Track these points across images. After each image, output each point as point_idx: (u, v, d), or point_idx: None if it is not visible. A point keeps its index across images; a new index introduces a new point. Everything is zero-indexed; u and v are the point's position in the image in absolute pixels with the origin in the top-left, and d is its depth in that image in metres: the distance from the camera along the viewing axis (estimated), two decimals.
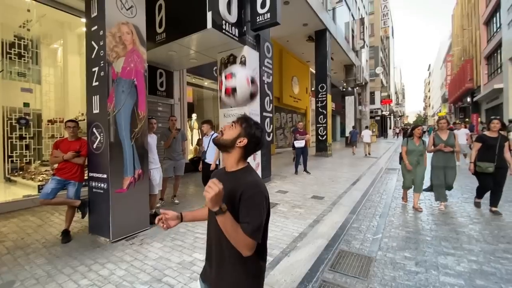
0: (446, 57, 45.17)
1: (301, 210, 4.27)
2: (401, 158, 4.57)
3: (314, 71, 17.44)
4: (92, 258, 2.76)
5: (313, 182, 6.41)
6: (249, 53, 5.61)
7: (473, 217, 3.93)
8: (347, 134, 16.79)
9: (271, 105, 6.44)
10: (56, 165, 3.26)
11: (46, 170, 6.11)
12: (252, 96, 1.62)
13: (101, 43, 3.10)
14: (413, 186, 4.42)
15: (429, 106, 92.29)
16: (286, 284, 2.27)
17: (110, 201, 3.06)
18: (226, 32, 4.99)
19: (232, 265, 1.06)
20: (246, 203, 0.98)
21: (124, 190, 3.20)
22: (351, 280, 2.38)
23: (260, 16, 5.42)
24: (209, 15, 4.60)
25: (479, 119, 24.57)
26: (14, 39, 6.81)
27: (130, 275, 2.42)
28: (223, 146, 1.12)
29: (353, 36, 17.11)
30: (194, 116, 9.17)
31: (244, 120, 1.13)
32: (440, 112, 55.61)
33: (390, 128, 43.25)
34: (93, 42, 3.21)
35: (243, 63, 5.60)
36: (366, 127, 15.38)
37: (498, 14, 20.16)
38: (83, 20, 5.76)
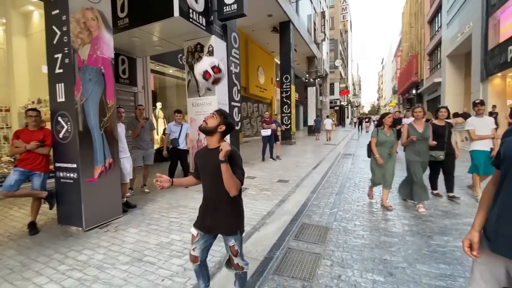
0: (396, 52, 49.34)
1: (269, 193, 4.66)
2: (369, 150, 4.06)
3: (278, 62, 17.94)
4: (66, 246, 2.79)
5: (279, 167, 6.87)
6: (217, 43, 5.70)
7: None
8: (309, 123, 17.77)
9: (239, 95, 6.64)
10: (17, 156, 3.12)
11: None
12: (205, 74, 2.46)
13: (64, 29, 2.99)
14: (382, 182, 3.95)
15: (382, 97, 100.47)
16: (257, 253, 2.61)
17: (81, 190, 3.06)
18: (193, 21, 5.02)
19: (224, 210, 1.64)
20: (235, 161, 1.55)
21: (95, 179, 3.20)
22: (311, 245, 2.82)
23: (227, 7, 5.51)
24: (175, 2, 4.59)
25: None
26: None
27: (110, 258, 2.54)
28: (208, 132, 1.63)
29: (314, 29, 17.83)
30: (159, 105, 8.96)
31: (221, 112, 1.67)
32: (390, 102, 61.04)
33: (348, 117, 46.35)
34: (54, 27, 3.07)
35: (210, 52, 5.67)
36: (327, 117, 16.77)
37: (439, 14, 22.60)
38: None
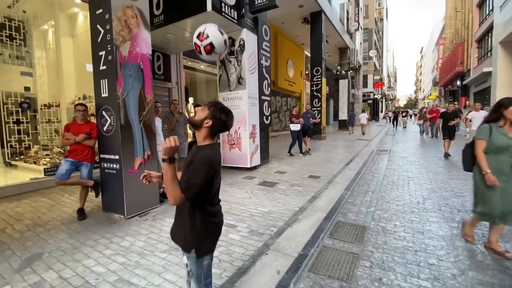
0: (438, 40, 45.26)
1: (300, 188, 4.56)
2: (469, 160, 2.57)
3: (308, 54, 17.43)
4: (111, 232, 2.98)
5: (309, 163, 6.71)
6: (248, 36, 5.66)
7: None
8: (340, 117, 17.11)
9: (269, 88, 6.56)
10: (68, 147, 3.39)
11: (47, 154, 6.16)
12: (225, 43, 2.10)
13: (107, 27, 3.14)
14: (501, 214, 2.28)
15: (420, 89, 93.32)
16: (291, 249, 2.56)
17: (123, 180, 3.24)
18: (225, 15, 5.01)
19: (184, 219, 1.36)
20: (191, 168, 1.25)
21: (135, 170, 3.38)
22: (348, 245, 2.69)
23: (258, 0, 5.42)
24: None
25: (467, 102, 25.23)
26: (4, 21, 6.59)
27: (150, 246, 2.66)
28: (194, 125, 1.38)
29: (347, 18, 16.96)
30: (191, 100, 9.21)
31: (212, 104, 1.36)
32: (430, 95, 56.48)
33: (381, 111, 43.85)
34: (98, 26, 3.25)
35: (241, 46, 5.65)
36: (363, 111, 16.43)
37: None
38: (77, 0, 5.65)
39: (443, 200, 3.93)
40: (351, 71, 19.19)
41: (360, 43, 23.03)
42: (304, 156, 7.70)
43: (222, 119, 1.34)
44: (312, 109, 11.70)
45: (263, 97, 6.30)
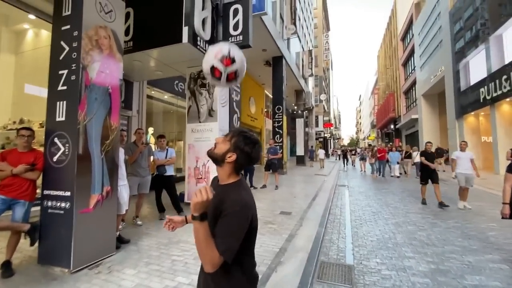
0: (373, 90, 53.10)
1: (274, 226, 4.34)
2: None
3: (268, 94, 18.45)
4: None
5: (277, 198, 6.59)
6: None
7: None
8: (297, 153, 17.90)
9: (238, 122, 6.54)
10: None
11: None
12: (214, 71, 1.58)
13: (74, 45, 2.80)
14: None
15: (360, 130, 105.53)
16: None
17: (74, 223, 2.63)
18: (200, 48, 5.02)
19: (218, 283, 1.05)
20: (225, 220, 0.97)
21: (90, 210, 2.79)
22: (339, 287, 2.53)
23: (233, 38, 5.62)
24: (185, 29, 4.60)
25: (399, 143, 29.14)
26: None
27: None
28: (215, 160, 1.12)
29: (302, 65, 18.85)
30: (150, 130, 8.62)
31: (235, 133, 1.12)
32: (369, 136, 64.01)
33: (330, 148, 47.62)
34: (62, 42, 2.87)
35: None
36: (320, 147, 17.78)
37: (413, 58, 24.94)
38: (31, 16, 5.10)
39: (410, 234, 4.13)
40: (306, 111, 20.78)
41: (312, 88, 25.51)
42: (262, 189, 7.65)
43: (246, 151, 1.08)
44: (275, 144, 12.03)
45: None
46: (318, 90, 30.93)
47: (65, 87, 2.81)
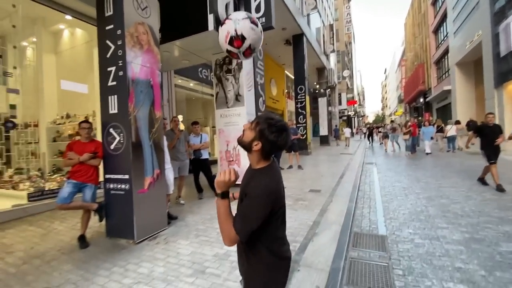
0: (400, 62, 49.72)
1: (306, 203, 4.57)
2: None
3: (289, 74, 18.16)
4: (123, 259, 2.73)
5: (305, 177, 6.79)
6: None
7: None
8: (321, 133, 17.75)
9: (264, 105, 6.69)
10: (69, 168, 3.13)
11: (29, 178, 5.58)
12: (261, 33, 1.79)
13: (119, 43, 3.07)
14: None
15: (386, 106, 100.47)
16: (321, 264, 2.53)
17: (133, 201, 3.03)
18: None
19: (248, 257, 1.17)
20: (245, 202, 1.06)
21: (145, 190, 3.19)
22: (373, 255, 2.72)
23: None
24: (210, 17, 4.71)
25: (430, 117, 27.57)
26: None
27: (172, 271, 2.47)
28: (243, 147, 1.15)
29: (323, 41, 18.14)
30: (180, 117, 9.05)
31: (259, 122, 1.10)
32: (396, 111, 60.94)
33: (354, 127, 46.25)
34: (108, 41, 3.15)
35: (239, 64, 5.77)
36: (347, 126, 18.01)
37: (445, 24, 22.88)
38: (68, 17, 5.47)
39: (443, 207, 4.16)
40: (328, 90, 20.24)
41: (335, 64, 24.57)
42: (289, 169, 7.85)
43: (270, 139, 1.07)
44: (298, 125, 12.07)
45: (259, 114, 6.39)
46: (341, 66, 29.73)
47: (114, 83, 3.13)
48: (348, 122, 33.99)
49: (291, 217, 3.85)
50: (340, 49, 30.90)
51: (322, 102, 17.96)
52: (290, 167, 8.27)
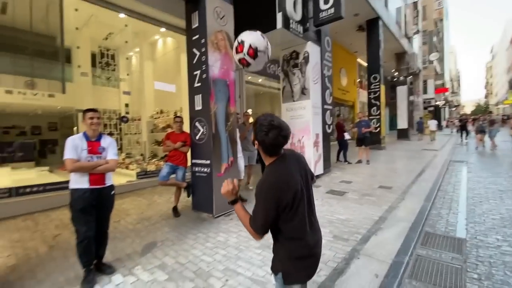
0: None
1: (373, 198, 4.44)
2: None
3: (362, 62, 16.88)
4: (205, 228, 3.36)
5: (375, 173, 6.45)
6: (312, 49, 5.86)
7: None
8: (399, 126, 16.00)
9: (331, 98, 6.61)
10: (167, 153, 3.97)
11: (131, 163, 7.09)
12: (263, 37, 1.98)
13: (203, 50, 3.66)
14: None
15: (492, 93, 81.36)
16: (383, 256, 2.55)
17: (213, 183, 3.64)
18: (293, 30, 5.31)
19: (272, 250, 1.31)
20: (255, 198, 1.19)
21: (222, 174, 3.76)
22: (446, 256, 2.56)
23: (323, 12, 5.61)
24: (279, 16, 4.97)
25: None
26: (103, 51, 7.92)
27: (243, 242, 2.93)
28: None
29: (405, 22, 16.07)
30: (249, 111, 9.72)
31: (255, 124, 1.21)
32: (506, 99, 48.86)
33: (444, 119, 39.32)
34: (194, 49, 3.80)
35: (306, 58, 5.87)
36: (432, 118, 17.02)
37: None
38: (162, 29, 6.58)
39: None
40: (409, 77, 17.90)
41: (419, 47, 21.43)
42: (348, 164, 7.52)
43: (259, 139, 1.18)
44: (370, 117, 11.27)
45: (325, 106, 6.38)
46: (427, 49, 25.66)
47: (199, 84, 3.76)
48: (436, 114, 29.20)
49: (355, 210, 3.86)
50: (428, 28, 26.58)
51: (401, 91, 16.09)
52: (359, 161, 7.93)
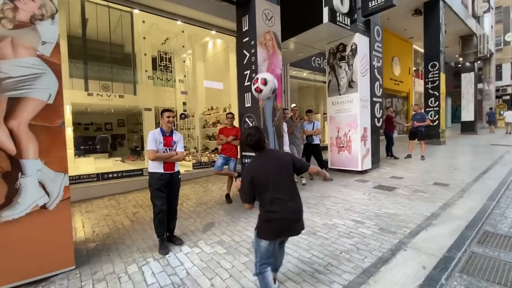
0: None
1: (426, 195, 4.25)
2: None
3: (418, 48, 15.39)
4: (255, 213, 3.66)
5: (430, 169, 6.04)
6: (360, 40, 5.71)
7: None
8: (464, 118, 14.27)
9: (380, 89, 6.35)
10: (220, 146, 4.42)
11: (187, 154, 7.85)
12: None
13: (252, 51, 3.96)
14: None
15: None
16: (433, 250, 2.54)
17: None
18: (340, 23, 5.26)
19: None
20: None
21: None
22: (505, 254, 2.44)
23: (373, 1, 5.41)
24: (325, 10, 4.99)
25: None
26: (162, 55, 8.80)
27: None
28: None
29: (473, 0, 14.06)
30: (293, 105, 9.83)
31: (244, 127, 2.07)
32: None
33: None
34: (244, 51, 4.12)
35: (353, 50, 5.75)
36: (508, 109, 15.53)
37: None
38: (213, 32, 7.08)
39: None
40: (478, 62, 15.66)
41: (491, 27, 18.49)
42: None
43: (242, 142, 1.98)
44: (427, 109, 10.36)
45: (374, 99, 6.16)
46: (502, 28, 21.95)
47: (249, 83, 4.07)
48: None
49: (405, 205, 3.79)
50: (503, 4, 22.64)
51: (466, 79, 14.23)
52: (409, 156, 7.44)
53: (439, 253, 2.47)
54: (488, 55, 16.00)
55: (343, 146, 6.13)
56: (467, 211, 3.47)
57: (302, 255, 2.54)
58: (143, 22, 6.69)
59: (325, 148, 7.01)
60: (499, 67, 22.50)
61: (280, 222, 1.74)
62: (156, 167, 2.78)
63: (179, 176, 3.00)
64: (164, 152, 2.79)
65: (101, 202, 4.65)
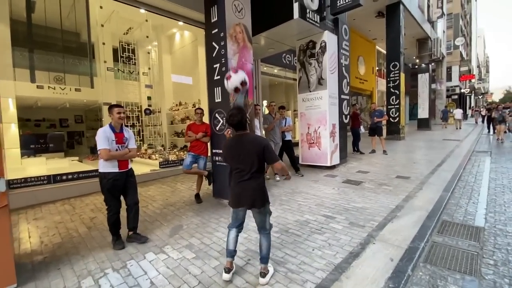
0: None
1: (390, 188, 4.46)
2: None
3: (380, 49, 16.31)
4: (226, 213, 3.56)
5: (392, 163, 6.40)
6: (329, 38, 5.80)
7: None
8: (420, 115, 15.48)
9: (348, 87, 6.55)
10: (189, 144, 4.18)
11: (153, 153, 7.43)
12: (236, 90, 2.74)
13: (222, 43, 3.78)
14: None
15: None
16: (399, 241, 2.63)
17: None
18: (310, 20, 5.28)
19: None
20: None
21: None
22: (462, 243, 2.61)
23: (341, 0, 5.51)
24: (295, 6, 4.96)
25: None
26: (124, 46, 8.18)
27: None
28: None
29: (428, 6, 15.23)
30: (265, 102, 9.80)
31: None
32: None
33: (469, 108, 37.32)
34: (213, 43, 3.92)
35: (323, 48, 5.83)
36: (457, 107, 18.06)
37: None
38: (180, 23, 6.71)
39: None
40: (432, 64, 17.09)
41: (443, 31, 20.28)
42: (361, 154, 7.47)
43: (226, 121, 2.13)
44: (389, 107, 11.01)
45: (342, 96, 6.34)
46: (452, 33, 24.25)
47: (219, 77, 3.89)
48: (460, 102, 27.78)
49: (371, 199, 3.93)
50: (453, 11, 25.00)
51: (422, 79, 15.45)
52: (373, 151, 7.87)
53: (405, 244, 2.56)
54: (441, 58, 17.51)
55: (313, 142, 6.22)
56: (427, 202, 3.70)
57: (275, 255, 2.47)
58: (101, 7, 6.09)
59: (296, 144, 7.07)
60: (449, 69, 24.84)
61: (235, 195, 2.13)
62: (109, 167, 2.58)
63: (132, 172, 2.91)
64: (117, 150, 2.60)
65: (53, 208, 4.16)
